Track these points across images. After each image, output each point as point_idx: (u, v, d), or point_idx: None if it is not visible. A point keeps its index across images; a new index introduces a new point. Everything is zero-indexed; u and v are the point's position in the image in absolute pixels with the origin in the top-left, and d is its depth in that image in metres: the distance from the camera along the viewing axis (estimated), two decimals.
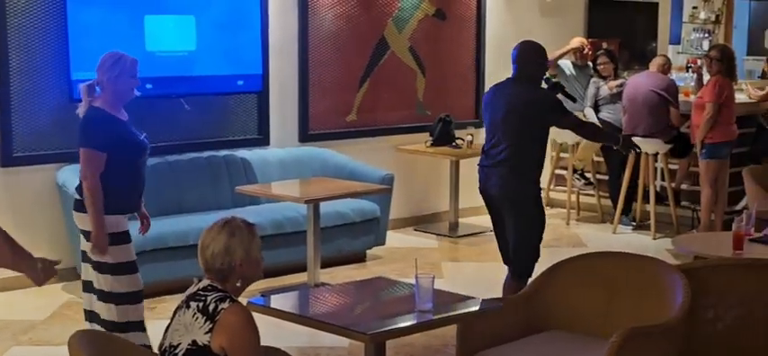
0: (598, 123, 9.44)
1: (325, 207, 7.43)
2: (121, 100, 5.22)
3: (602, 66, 9.70)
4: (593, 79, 9.76)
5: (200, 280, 3.63)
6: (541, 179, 6.18)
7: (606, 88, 9.61)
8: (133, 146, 5.23)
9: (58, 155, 7.42)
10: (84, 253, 5.29)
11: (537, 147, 5.98)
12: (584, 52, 9.89)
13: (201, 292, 3.56)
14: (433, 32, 9.67)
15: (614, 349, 4.09)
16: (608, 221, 9.79)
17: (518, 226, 6.02)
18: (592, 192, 10.16)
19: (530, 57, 6.06)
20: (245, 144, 8.41)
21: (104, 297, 5.17)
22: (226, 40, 8.03)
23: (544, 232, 6.13)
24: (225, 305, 3.48)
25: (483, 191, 6.13)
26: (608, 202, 9.90)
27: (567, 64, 9.88)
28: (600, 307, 4.87)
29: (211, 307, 3.48)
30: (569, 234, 9.51)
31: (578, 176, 10.13)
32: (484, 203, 6.22)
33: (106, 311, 5.16)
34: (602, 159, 10.03)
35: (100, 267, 5.15)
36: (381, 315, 4.53)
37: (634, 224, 9.65)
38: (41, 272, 3.91)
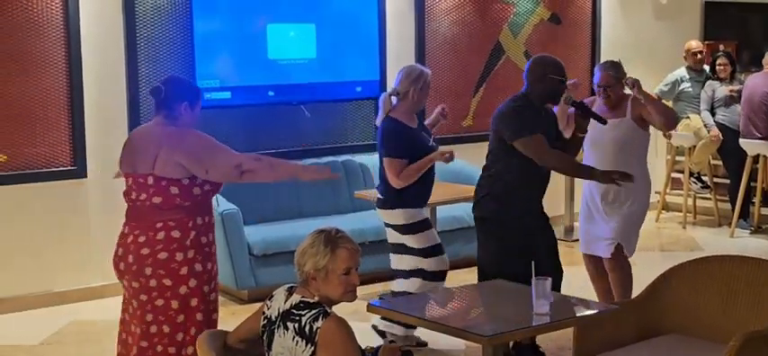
0: (713, 125, 9.40)
1: (441, 211, 7.53)
2: (416, 109, 5.91)
3: (721, 67, 9.61)
4: (708, 82, 9.68)
5: (290, 294, 3.65)
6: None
7: (722, 90, 9.52)
8: (424, 150, 5.86)
9: None
10: (391, 245, 6.00)
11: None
12: (700, 57, 9.83)
13: (295, 311, 3.57)
14: (549, 37, 9.70)
15: (733, 353, 4.07)
16: (725, 225, 9.70)
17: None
18: (708, 196, 10.06)
19: (539, 72, 5.46)
20: (364, 149, 8.56)
21: (412, 274, 5.90)
22: (344, 46, 8.21)
23: None
24: (319, 324, 3.49)
25: None
26: (725, 206, 9.80)
27: (681, 72, 9.81)
28: (717, 311, 4.85)
29: (307, 329, 3.50)
30: (686, 237, 9.44)
31: (695, 179, 10.04)
32: None
33: (411, 285, 5.87)
34: (719, 162, 9.93)
35: (411, 252, 5.88)
36: (498, 318, 4.56)
37: (752, 228, 9.55)
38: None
